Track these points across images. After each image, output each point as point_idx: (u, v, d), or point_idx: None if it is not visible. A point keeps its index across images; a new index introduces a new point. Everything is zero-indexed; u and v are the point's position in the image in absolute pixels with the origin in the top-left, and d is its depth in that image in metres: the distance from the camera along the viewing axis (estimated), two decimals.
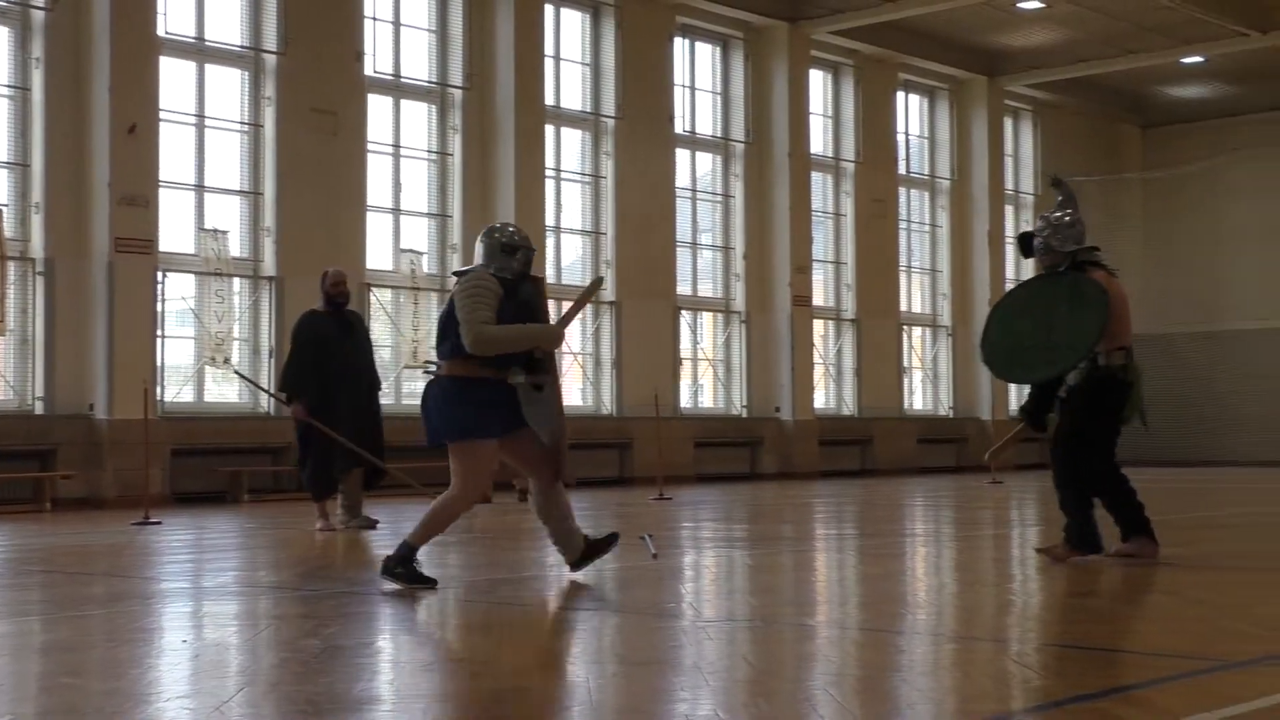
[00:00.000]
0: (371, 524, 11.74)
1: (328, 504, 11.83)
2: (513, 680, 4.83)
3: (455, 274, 7.99)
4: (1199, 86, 29.12)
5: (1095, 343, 8.47)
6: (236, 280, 17.78)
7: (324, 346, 11.66)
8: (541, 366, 7.52)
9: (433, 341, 19.42)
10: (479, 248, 7.71)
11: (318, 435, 11.50)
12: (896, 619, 6.59)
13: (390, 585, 7.38)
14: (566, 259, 21.68)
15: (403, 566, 7.43)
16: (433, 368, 7.71)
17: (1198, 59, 26.54)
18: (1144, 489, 8.68)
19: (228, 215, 17.94)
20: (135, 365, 15.96)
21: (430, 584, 7.46)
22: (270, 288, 17.92)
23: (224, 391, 18.08)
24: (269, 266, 17.95)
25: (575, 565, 7.88)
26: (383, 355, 19.31)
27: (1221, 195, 30.00)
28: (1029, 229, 8.94)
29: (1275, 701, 4.35)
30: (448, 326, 7.51)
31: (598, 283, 8.63)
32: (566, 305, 23.45)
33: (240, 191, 18.01)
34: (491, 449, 7.51)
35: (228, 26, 17.96)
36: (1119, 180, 30.60)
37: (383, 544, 10.56)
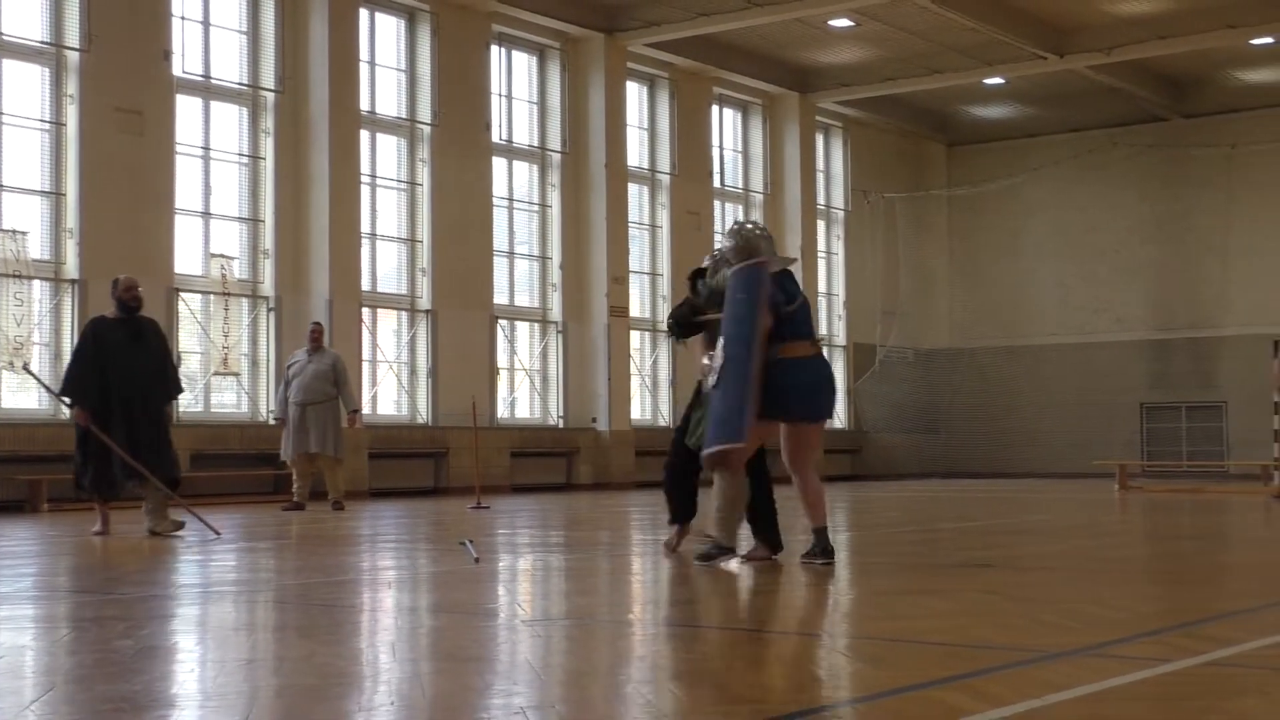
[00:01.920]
0: (178, 526, 11.47)
1: (110, 509, 11.73)
2: (333, 678, 4.70)
3: (733, 271, 8.33)
4: (1000, 107, 29.98)
5: None
6: (37, 283, 17.17)
7: (107, 353, 11.44)
8: None
9: (244, 349, 19.11)
10: (734, 243, 8.33)
11: (96, 440, 11.32)
12: (720, 616, 6.58)
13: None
14: (382, 267, 21.39)
15: (821, 544, 8.42)
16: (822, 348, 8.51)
17: (999, 80, 27.34)
18: (951, 499, 8.93)
19: (28, 216, 17.32)
20: None
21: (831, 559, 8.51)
22: (73, 291, 17.35)
23: (21, 398, 17.43)
24: (71, 269, 17.38)
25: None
26: (191, 363, 18.81)
27: (1020, 214, 30.91)
28: (700, 266, 9.27)
29: (1095, 689, 4.44)
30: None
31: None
32: (382, 313, 22.85)
33: (41, 191, 17.41)
34: None
35: (27, 21, 17.35)
36: (925, 196, 31.34)
37: (191, 547, 10.25)
